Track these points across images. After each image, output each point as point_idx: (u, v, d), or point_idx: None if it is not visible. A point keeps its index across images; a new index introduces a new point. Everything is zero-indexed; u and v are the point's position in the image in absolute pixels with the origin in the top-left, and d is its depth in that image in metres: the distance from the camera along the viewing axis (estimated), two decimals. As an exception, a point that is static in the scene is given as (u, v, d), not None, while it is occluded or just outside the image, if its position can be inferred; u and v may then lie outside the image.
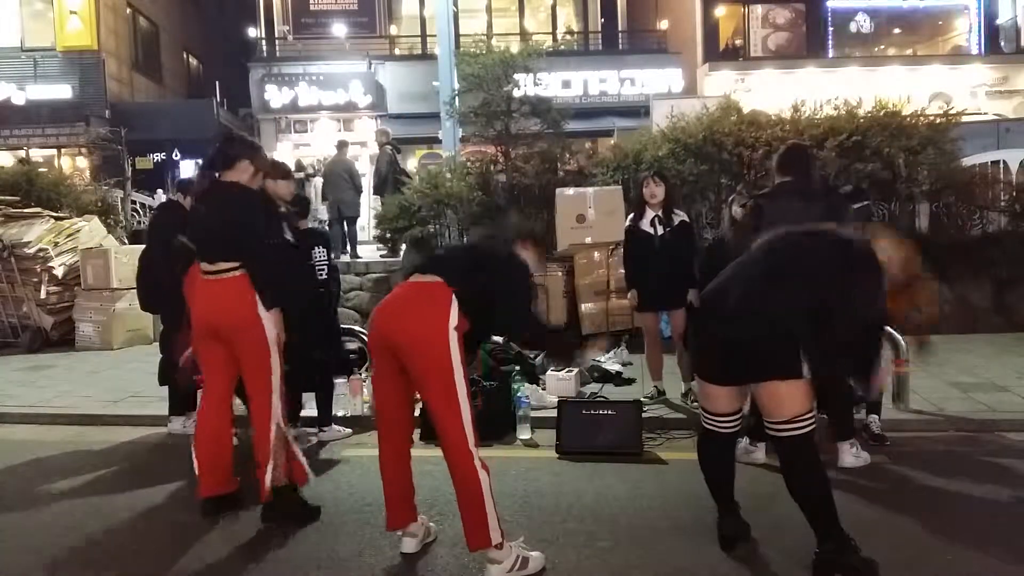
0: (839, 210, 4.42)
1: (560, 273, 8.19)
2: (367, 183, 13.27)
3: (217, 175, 3.76)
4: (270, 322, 3.60)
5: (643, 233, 5.58)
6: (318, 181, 13.26)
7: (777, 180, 4.37)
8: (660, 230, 5.52)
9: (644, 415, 4.84)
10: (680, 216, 5.65)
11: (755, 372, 2.99)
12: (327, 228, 11.13)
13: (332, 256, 5.72)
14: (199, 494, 3.83)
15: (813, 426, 2.98)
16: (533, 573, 3.07)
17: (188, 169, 17.03)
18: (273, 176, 4.57)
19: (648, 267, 5.55)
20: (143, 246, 5.95)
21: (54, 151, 17.42)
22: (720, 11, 19.37)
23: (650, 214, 5.57)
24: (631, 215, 5.82)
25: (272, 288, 3.63)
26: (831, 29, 19.46)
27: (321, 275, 4.98)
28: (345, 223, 11.53)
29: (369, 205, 12.42)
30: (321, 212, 12.58)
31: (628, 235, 5.76)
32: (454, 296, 3.02)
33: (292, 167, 13.20)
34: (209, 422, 3.83)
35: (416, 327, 3.00)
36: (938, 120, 8.78)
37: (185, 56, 23.44)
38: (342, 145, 12.00)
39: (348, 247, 11.27)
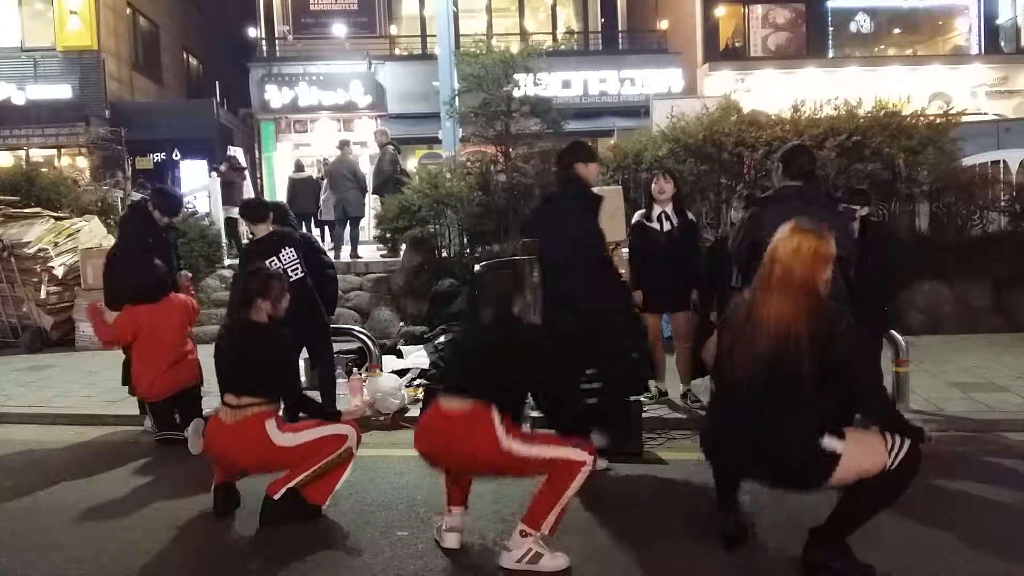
0: (840, 221, 4.41)
1: (560, 273, 8.19)
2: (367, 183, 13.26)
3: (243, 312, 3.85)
4: (285, 437, 3.67)
5: (651, 229, 5.55)
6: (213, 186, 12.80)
7: (783, 182, 4.27)
8: (668, 226, 5.51)
9: (644, 415, 4.84)
10: (689, 215, 5.65)
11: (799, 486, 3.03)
12: (299, 228, 11.00)
13: (326, 256, 5.71)
14: (215, 480, 3.88)
15: (903, 455, 2.83)
16: (547, 572, 3.09)
17: (188, 169, 17.06)
18: (584, 160, 4.45)
19: (654, 264, 5.52)
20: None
21: (54, 151, 17.42)
22: (720, 11, 19.37)
23: (658, 210, 5.55)
24: (640, 211, 5.77)
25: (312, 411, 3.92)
26: (831, 29, 19.47)
27: (296, 275, 4.88)
28: (349, 223, 11.52)
29: (369, 205, 12.42)
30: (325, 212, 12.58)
31: (636, 230, 5.67)
32: (494, 409, 3.14)
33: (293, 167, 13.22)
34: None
35: (473, 458, 3.19)
36: (938, 120, 8.78)
37: (185, 56, 23.43)
38: (345, 144, 11.99)
39: (350, 247, 11.27)
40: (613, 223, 7.83)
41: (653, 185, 5.62)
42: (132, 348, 5.15)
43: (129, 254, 5.45)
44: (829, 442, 2.81)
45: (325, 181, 12.56)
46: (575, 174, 4.40)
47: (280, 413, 3.83)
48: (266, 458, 3.67)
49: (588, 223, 4.28)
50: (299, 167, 13.14)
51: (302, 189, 12.62)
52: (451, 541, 3.39)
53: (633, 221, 5.73)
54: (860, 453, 2.84)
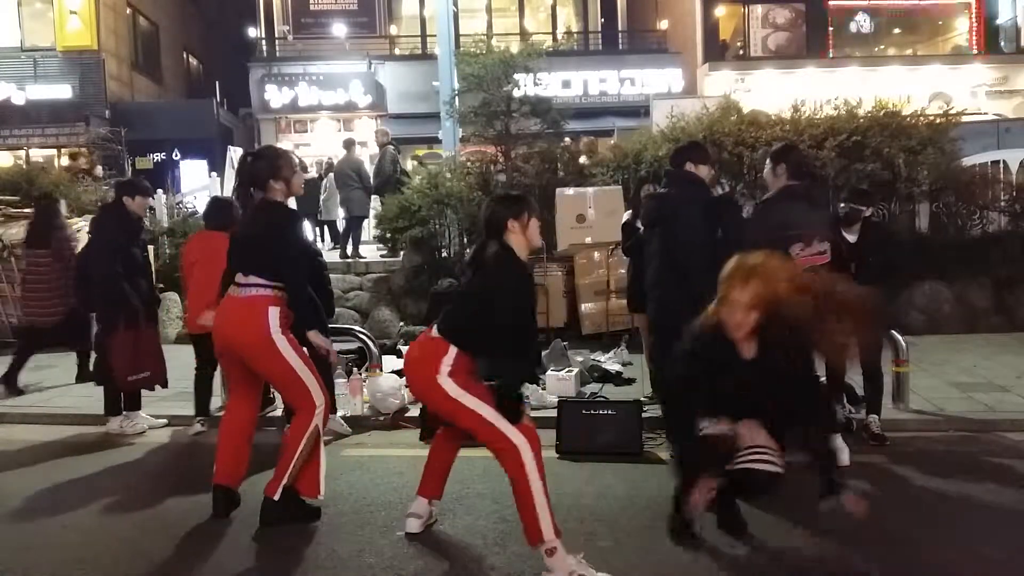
0: (838, 220, 4.57)
1: (560, 273, 8.20)
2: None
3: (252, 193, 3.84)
4: (284, 342, 3.63)
5: (638, 230, 5.60)
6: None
7: (783, 182, 4.29)
8: None
9: (644, 415, 4.83)
10: None
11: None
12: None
13: (322, 259, 5.71)
14: (214, 479, 3.82)
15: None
16: None
17: (187, 169, 17.05)
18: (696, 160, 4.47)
19: (642, 264, 5.53)
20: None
21: (54, 151, 17.42)
22: (720, 11, 19.37)
23: None
24: (629, 211, 5.93)
25: (304, 308, 3.78)
26: (831, 29, 19.47)
27: None
28: (352, 222, 11.50)
29: (369, 205, 12.43)
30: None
31: (624, 231, 5.86)
32: (452, 349, 3.17)
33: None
34: (235, 415, 3.88)
35: (416, 381, 3.38)
36: (938, 120, 8.78)
37: (185, 56, 23.42)
38: (350, 144, 11.98)
39: (352, 247, 11.25)
40: (612, 223, 7.92)
41: (643, 194, 5.67)
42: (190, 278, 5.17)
43: (104, 256, 5.26)
44: None
45: (324, 181, 12.58)
46: (696, 176, 4.39)
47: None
48: (256, 347, 3.61)
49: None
50: (304, 168, 13.14)
51: (309, 189, 12.60)
52: (411, 526, 3.49)
53: (623, 221, 5.94)
54: None
